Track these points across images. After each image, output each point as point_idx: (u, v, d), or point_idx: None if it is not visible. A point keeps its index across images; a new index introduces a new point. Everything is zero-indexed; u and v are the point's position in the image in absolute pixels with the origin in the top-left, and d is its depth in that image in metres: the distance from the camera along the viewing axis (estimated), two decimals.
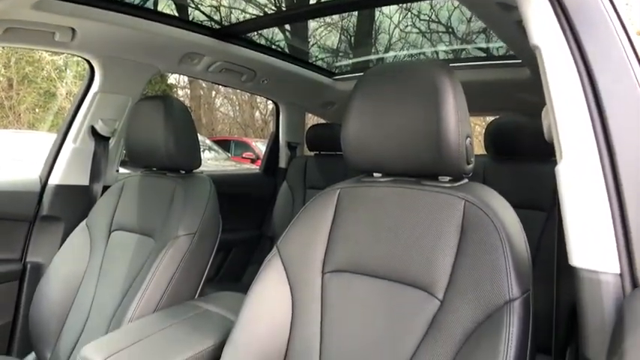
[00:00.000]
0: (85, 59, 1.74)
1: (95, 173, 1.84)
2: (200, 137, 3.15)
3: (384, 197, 0.99)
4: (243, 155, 9.18)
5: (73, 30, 1.52)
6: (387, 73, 1.02)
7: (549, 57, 0.73)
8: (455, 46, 2.54)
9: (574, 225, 0.68)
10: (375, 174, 1.06)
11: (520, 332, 0.73)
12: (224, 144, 9.63)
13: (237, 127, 14.57)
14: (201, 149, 1.94)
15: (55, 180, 1.79)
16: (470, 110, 0.94)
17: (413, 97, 0.92)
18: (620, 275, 0.64)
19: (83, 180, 1.83)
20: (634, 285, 0.63)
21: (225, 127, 14.85)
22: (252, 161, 8.51)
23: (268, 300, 1.01)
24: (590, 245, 0.66)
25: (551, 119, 0.73)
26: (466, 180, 0.98)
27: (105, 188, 1.73)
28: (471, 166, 0.93)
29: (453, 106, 0.88)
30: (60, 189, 1.78)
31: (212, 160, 7.58)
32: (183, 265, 1.34)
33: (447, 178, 0.96)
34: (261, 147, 9.00)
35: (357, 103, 1.00)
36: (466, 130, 0.90)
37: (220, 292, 1.46)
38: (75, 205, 1.79)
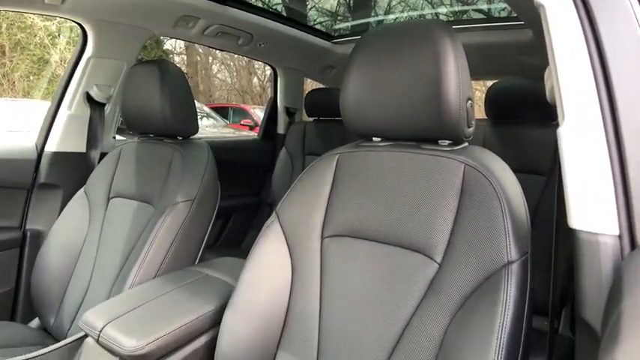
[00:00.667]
0: (77, 23, 1.69)
1: (92, 140, 1.82)
2: (197, 104, 3.12)
3: (384, 161, 0.98)
4: (242, 122, 9.15)
5: None
6: (386, 33, 0.98)
7: (554, 15, 0.70)
8: (455, 8, 2.48)
9: (574, 187, 0.67)
10: (374, 138, 1.05)
11: (518, 294, 0.74)
12: (222, 111, 9.56)
13: (234, 94, 14.43)
14: (199, 116, 1.91)
15: (51, 147, 1.77)
16: (470, 74, 0.92)
17: (413, 58, 0.90)
18: (619, 237, 0.64)
19: (80, 147, 1.82)
20: (632, 247, 0.63)
21: (223, 93, 14.71)
22: (251, 128, 8.49)
23: (268, 264, 1.02)
24: (590, 207, 0.66)
25: (554, 80, 0.71)
26: (466, 144, 0.97)
27: (102, 155, 1.72)
28: (471, 129, 0.92)
29: (453, 67, 0.86)
30: (57, 156, 1.77)
31: (210, 128, 7.54)
32: (182, 232, 1.34)
33: (447, 142, 0.95)
34: (259, 114, 8.94)
35: (356, 65, 0.98)
36: (467, 92, 0.89)
37: (220, 257, 1.47)
38: (72, 172, 1.78)
